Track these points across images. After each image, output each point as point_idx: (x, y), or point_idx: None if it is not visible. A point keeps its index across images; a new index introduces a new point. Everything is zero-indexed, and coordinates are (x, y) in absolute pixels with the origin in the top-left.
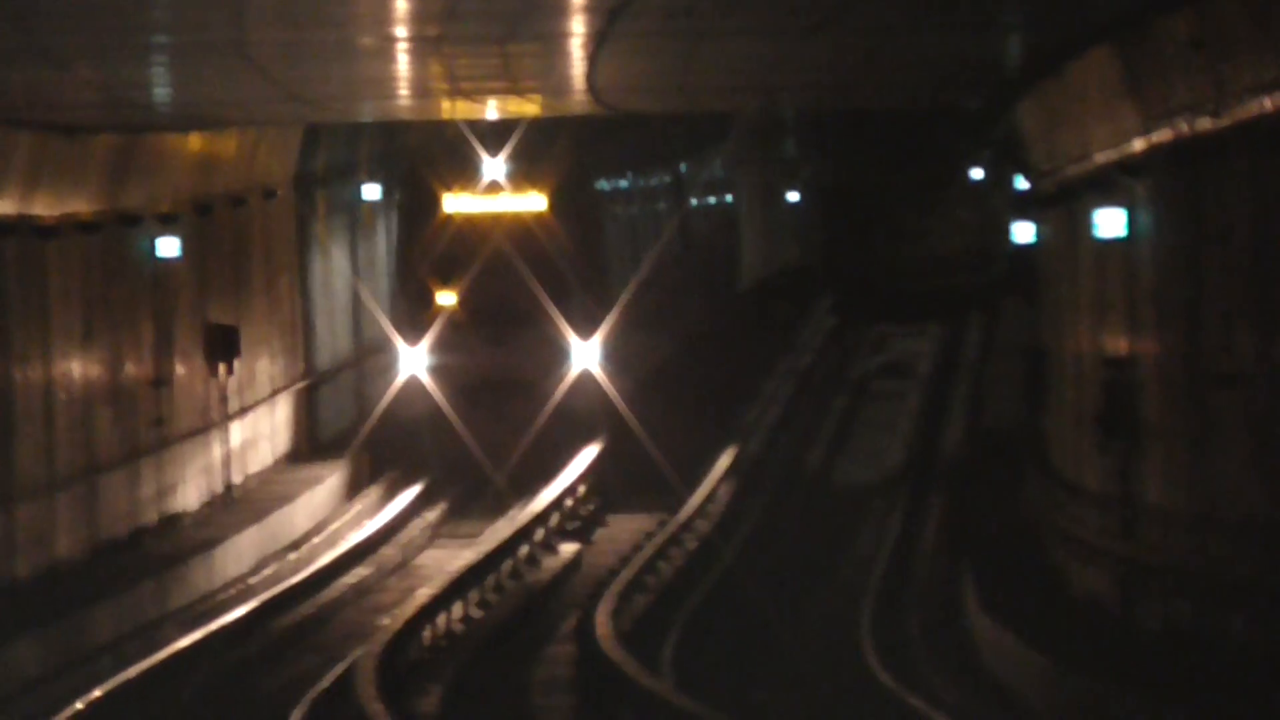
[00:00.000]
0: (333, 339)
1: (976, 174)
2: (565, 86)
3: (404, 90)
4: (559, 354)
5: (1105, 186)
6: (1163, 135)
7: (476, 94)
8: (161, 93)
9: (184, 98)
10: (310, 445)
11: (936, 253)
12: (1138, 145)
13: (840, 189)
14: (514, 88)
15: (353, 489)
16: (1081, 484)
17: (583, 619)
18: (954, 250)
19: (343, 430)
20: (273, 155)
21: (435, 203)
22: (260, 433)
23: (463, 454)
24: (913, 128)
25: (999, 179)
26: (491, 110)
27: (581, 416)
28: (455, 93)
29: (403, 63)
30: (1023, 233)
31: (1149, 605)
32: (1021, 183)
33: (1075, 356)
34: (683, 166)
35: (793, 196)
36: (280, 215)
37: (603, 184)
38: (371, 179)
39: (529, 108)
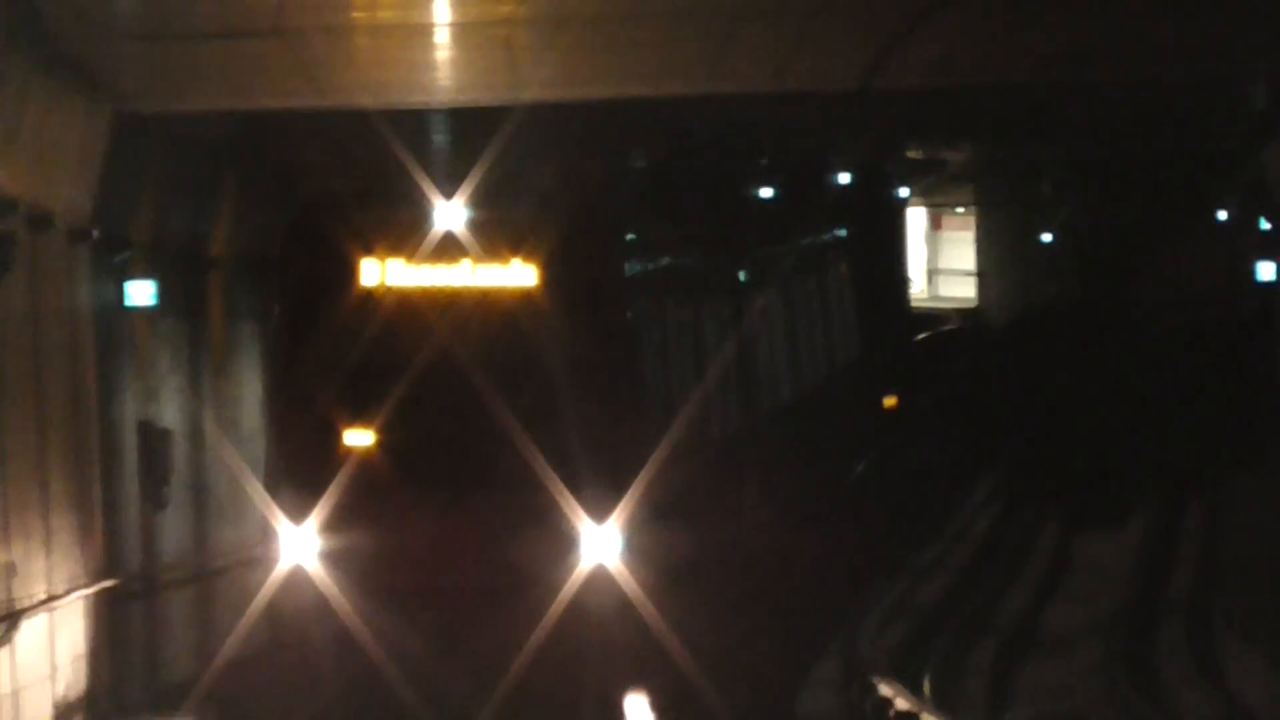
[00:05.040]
0: (172, 513)
1: (1222, 215)
2: None
3: None
4: (556, 540)
5: None
6: None
7: None
8: None
9: None
10: (108, 704)
11: (1186, 289)
12: None
13: (1100, 229)
14: None
15: None
16: None
17: None
18: (1204, 286)
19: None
20: (52, 158)
21: (346, 274)
22: None
23: (399, 714)
24: (1163, 171)
25: (1246, 220)
26: None
27: (593, 655)
28: None
29: None
30: (1267, 271)
31: None
32: (1265, 224)
33: None
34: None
35: (1046, 238)
36: (59, 275)
37: (639, 241)
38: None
39: None
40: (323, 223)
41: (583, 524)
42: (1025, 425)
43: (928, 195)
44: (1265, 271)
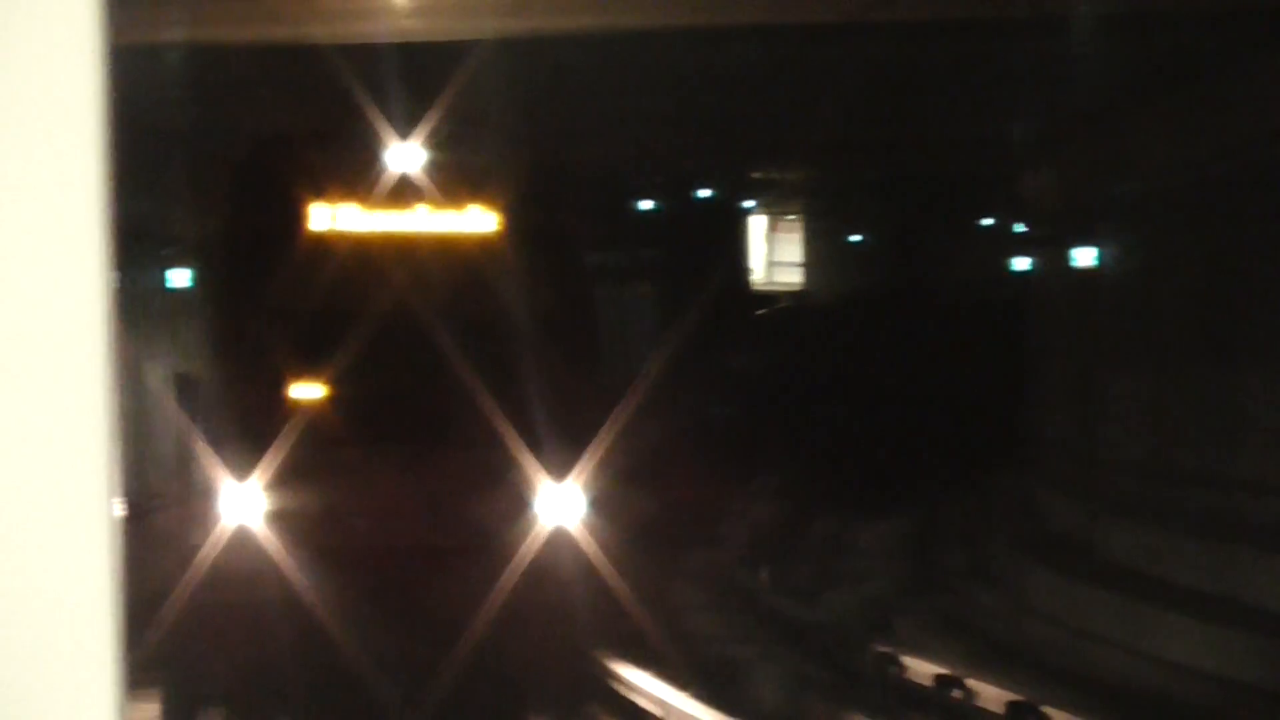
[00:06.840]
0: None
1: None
2: None
3: None
4: (511, 498)
5: None
6: None
7: None
8: None
9: None
10: None
11: (959, 280)
12: None
13: (894, 232)
14: None
15: None
16: None
17: None
18: (973, 278)
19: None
20: None
21: (292, 218)
22: None
23: (348, 683)
24: (943, 188)
25: (1005, 225)
26: None
27: (553, 618)
28: None
29: None
30: (1021, 264)
31: None
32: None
33: None
34: None
35: (855, 238)
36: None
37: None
38: None
39: None
40: (267, 158)
41: (542, 480)
42: (812, 406)
43: (767, 206)
44: (1020, 264)
